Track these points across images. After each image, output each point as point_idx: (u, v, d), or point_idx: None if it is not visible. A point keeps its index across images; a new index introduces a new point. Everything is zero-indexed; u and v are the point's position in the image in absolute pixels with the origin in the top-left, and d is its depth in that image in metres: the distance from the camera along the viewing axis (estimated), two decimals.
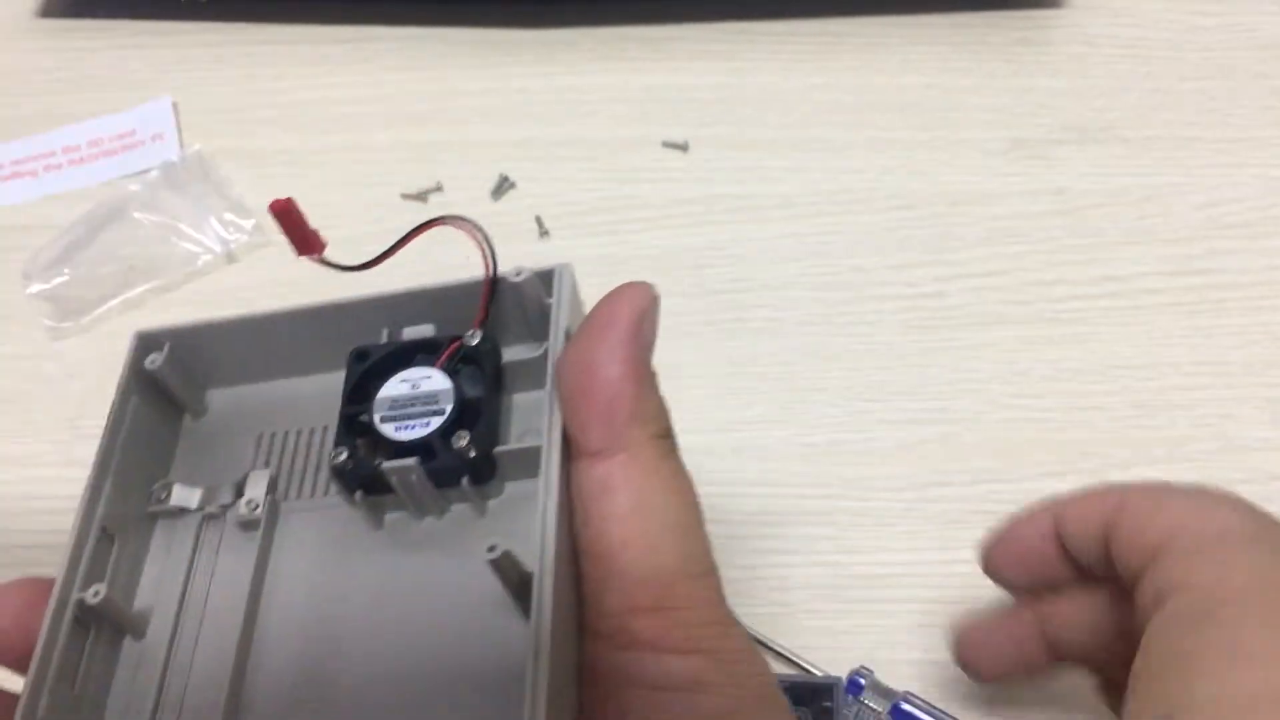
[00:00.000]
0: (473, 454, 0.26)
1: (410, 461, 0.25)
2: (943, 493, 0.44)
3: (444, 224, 0.27)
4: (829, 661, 0.40)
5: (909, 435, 0.45)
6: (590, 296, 0.51)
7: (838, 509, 0.44)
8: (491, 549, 0.23)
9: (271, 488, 0.28)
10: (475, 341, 0.27)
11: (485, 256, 0.27)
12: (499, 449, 0.26)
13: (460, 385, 0.27)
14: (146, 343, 0.29)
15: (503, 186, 0.53)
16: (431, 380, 0.27)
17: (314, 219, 0.56)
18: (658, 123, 0.54)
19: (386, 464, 0.26)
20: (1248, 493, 0.43)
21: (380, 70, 0.57)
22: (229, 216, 0.52)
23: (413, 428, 0.26)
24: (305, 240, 0.26)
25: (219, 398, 0.31)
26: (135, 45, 0.59)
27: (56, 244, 0.51)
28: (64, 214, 0.53)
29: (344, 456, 0.26)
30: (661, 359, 0.49)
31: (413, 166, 0.54)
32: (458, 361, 0.27)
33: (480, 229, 0.27)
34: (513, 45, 0.58)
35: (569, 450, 0.25)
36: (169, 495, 0.28)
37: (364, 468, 0.26)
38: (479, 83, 0.56)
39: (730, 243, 0.51)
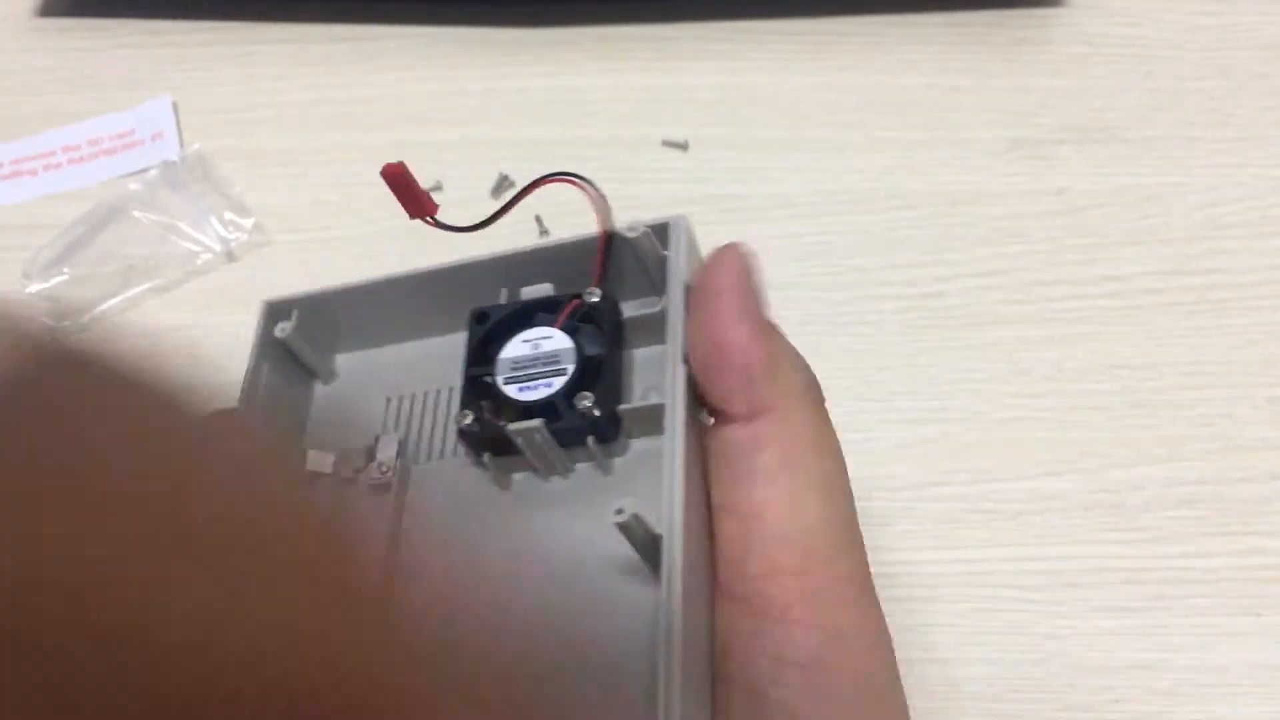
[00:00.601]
0: (596, 413, 0.26)
1: (535, 423, 0.25)
2: (942, 492, 0.44)
3: (555, 181, 0.27)
4: None
5: (909, 435, 0.45)
6: None
7: None
8: (619, 511, 0.22)
9: (401, 451, 0.28)
10: (594, 299, 0.27)
11: (599, 213, 0.27)
12: (623, 407, 0.26)
13: (581, 344, 0.27)
14: (275, 311, 0.29)
15: (502, 186, 0.53)
16: (552, 340, 0.27)
17: (314, 218, 0.56)
18: (658, 123, 0.54)
19: (512, 426, 0.26)
20: (1248, 493, 0.43)
21: (380, 70, 0.57)
22: (229, 216, 0.52)
23: (536, 388, 0.26)
24: (418, 203, 0.26)
25: (347, 362, 0.31)
26: (135, 45, 0.59)
27: (56, 244, 0.51)
28: (64, 213, 0.53)
29: (470, 419, 0.26)
30: None
31: (413, 166, 0.53)
32: (578, 320, 0.27)
33: (594, 185, 0.27)
34: (513, 45, 0.58)
35: (698, 406, 0.25)
36: (304, 461, 0.28)
37: (489, 430, 0.26)
38: (479, 83, 0.56)
39: (730, 242, 0.50)
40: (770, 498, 0.23)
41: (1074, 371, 0.46)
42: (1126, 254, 0.49)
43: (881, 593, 0.43)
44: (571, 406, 0.26)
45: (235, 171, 0.54)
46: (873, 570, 0.42)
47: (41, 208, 0.54)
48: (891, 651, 0.24)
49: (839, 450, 0.25)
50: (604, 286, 0.27)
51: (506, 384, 0.27)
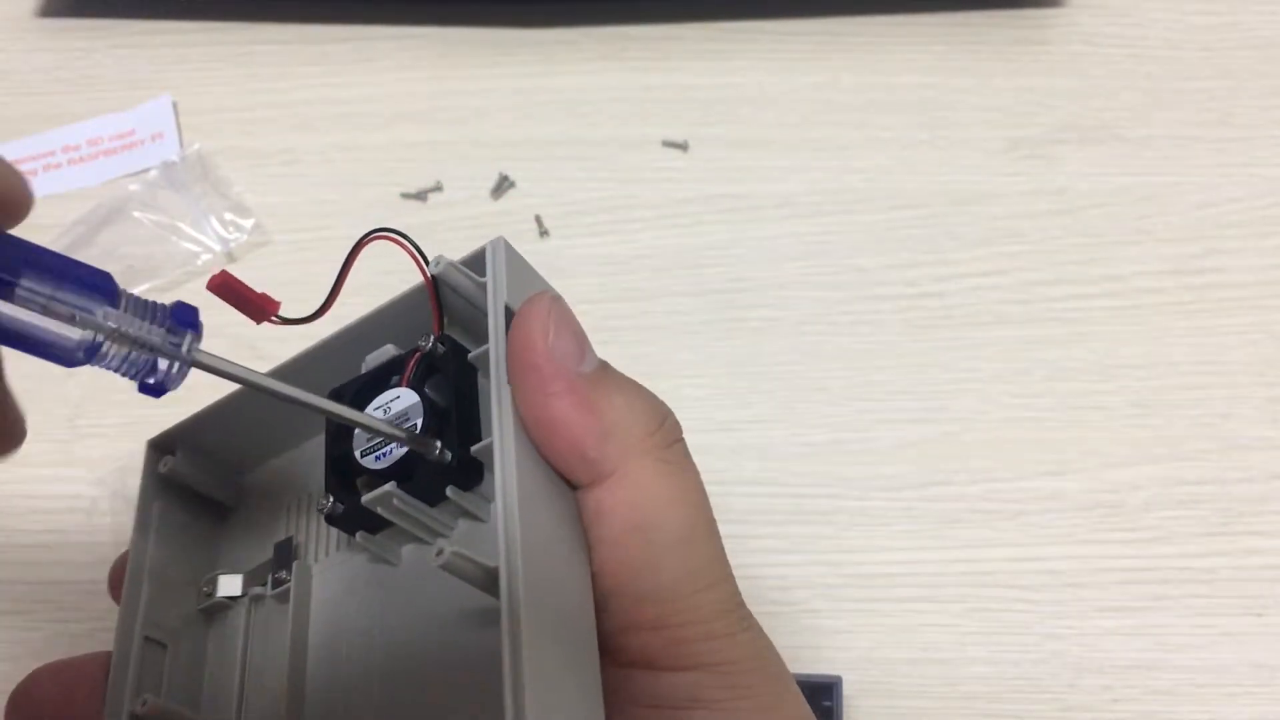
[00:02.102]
0: (447, 458, 0.25)
1: (387, 487, 0.24)
2: (942, 492, 0.44)
3: (375, 239, 0.26)
4: (829, 661, 0.40)
5: (909, 435, 0.45)
6: (591, 296, 0.51)
7: (837, 508, 0.44)
8: (439, 553, 0.21)
9: (296, 553, 0.27)
10: (431, 347, 0.26)
11: (418, 261, 0.26)
12: (475, 448, 0.25)
13: (429, 395, 0.26)
14: (159, 448, 0.29)
15: (503, 186, 0.53)
16: (400, 399, 0.26)
17: (314, 218, 0.56)
18: (658, 123, 0.54)
19: (365, 498, 0.24)
20: (1247, 493, 0.43)
21: (380, 70, 0.57)
22: (229, 216, 0.52)
23: (390, 453, 0.25)
24: (256, 307, 0.24)
25: (259, 476, 0.30)
26: (135, 45, 0.59)
27: (56, 244, 0.51)
28: (64, 214, 0.53)
29: (329, 502, 0.26)
30: (662, 359, 0.49)
31: (413, 166, 0.54)
32: (424, 372, 0.26)
33: (405, 236, 0.25)
34: (513, 45, 0.58)
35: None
36: (214, 589, 0.28)
37: (351, 508, 0.25)
38: (479, 83, 0.56)
39: (730, 242, 0.51)
40: (622, 562, 0.23)
41: (1074, 371, 0.46)
42: (1126, 254, 0.49)
43: (882, 593, 0.43)
44: (423, 460, 0.25)
45: (235, 171, 0.54)
46: (873, 571, 0.42)
47: (41, 208, 0.53)
48: (776, 667, 0.25)
49: (694, 493, 0.24)
50: (444, 331, 0.26)
51: (364, 456, 0.26)
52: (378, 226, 0.26)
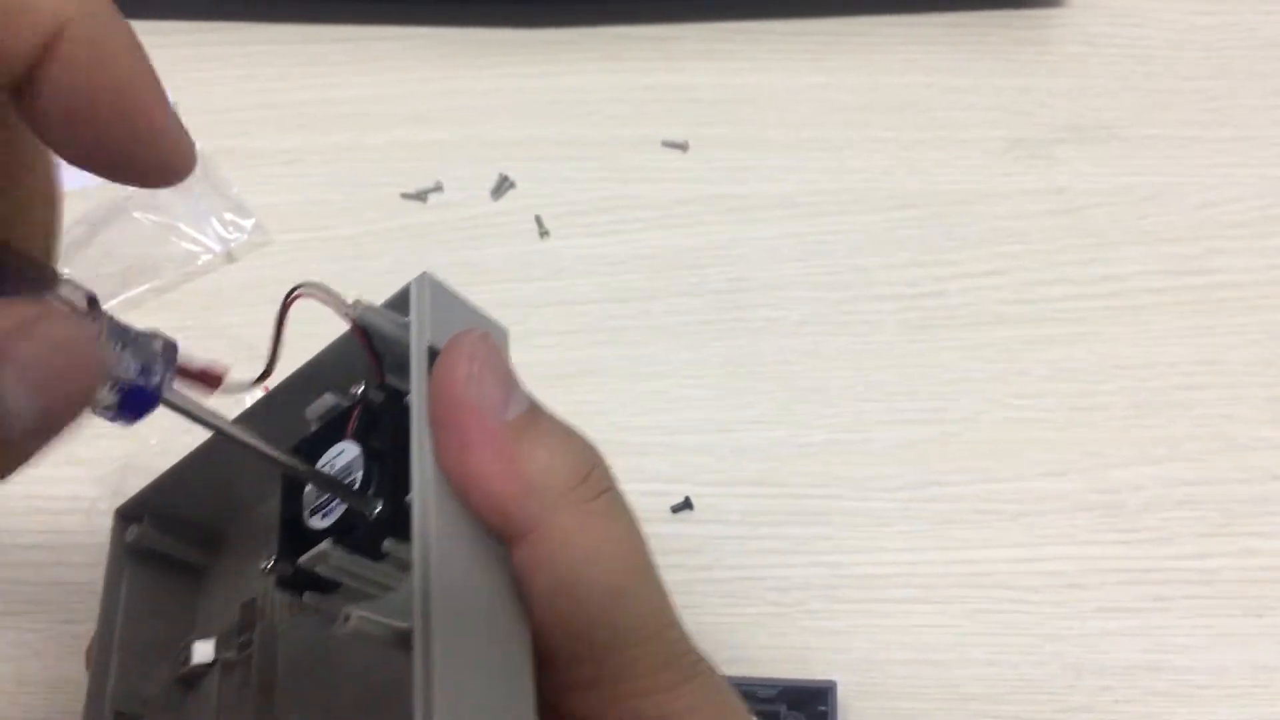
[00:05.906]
0: (377, 511, 0.23)
1: (322, 546, 0.23)
2: (941, 492, 0.44)
3: (300, 296, 0.24)
4: (827, 662, 0.40)
5: (908, 435, 0.45)
6: (591, 296, 0.51)
7: (836, 509, 0.44)
8: (346, 619, 0.20)
9: (260, 614, 0.27)
10: (367, 395, 0.25)
11: (340, 312, 0.24)
12: (408, 497, 0.23)
13: (370, 447, 0.24)
14: (126, 516, 0.29)
15: (503, 186, 0.53)
16: (344, 453, 0.25)
17: (314, 218, 0.55)
18: (658, 123, 0.54)
19: (302, 559, 0.23)
20: (1247, 493, 0.43)
21: (380, 70, 0.57)
22: (229, 216, 0.52)
23: (333, 511, 0.24)
24: (202, 380, 0.23)
25: (234, 531, 0.30)
26: None
27: None
28: (63, 214, 0.52)
29: (270, 565, 0.25)
30: (662, 359, 0.49)
31: (413, 166, 0.54)
32: (368, 422, 0.25)
33: (326, 289, 0.24)
34: (513, 45, 0.58)
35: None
36: (189, 655, 0.27)
37: (298, 570, 0.24)
38: (479, 83, 0.56)
39: (730, 243, 0.51)
40: (551, 620, 0.22)
41: (1074, 371, 0.46)
42: (1126, 254, 0.49)
43: (881, 593, 0.43)
44: (361, 514, 0.24)
45: (235, 172, 0.54)
46: (872, 572, 0.42)
47: None
48: (724, 710, 0.24)
49: (622, 539, 0.23)
50: (387, 375, 0.25)
51: (310, 516, 0.25)
52: (299, 283, 0.24)
